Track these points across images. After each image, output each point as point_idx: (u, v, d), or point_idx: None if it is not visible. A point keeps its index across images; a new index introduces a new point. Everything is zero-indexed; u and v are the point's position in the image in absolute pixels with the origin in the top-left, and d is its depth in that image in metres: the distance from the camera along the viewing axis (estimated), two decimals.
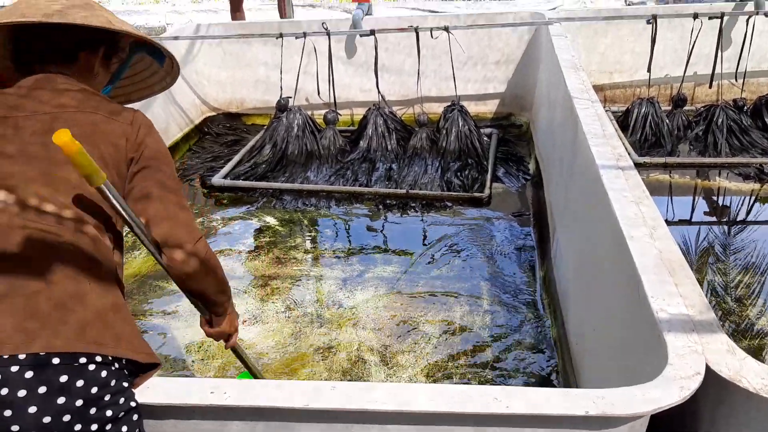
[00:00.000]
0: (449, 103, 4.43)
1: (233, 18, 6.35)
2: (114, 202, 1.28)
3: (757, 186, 3.76)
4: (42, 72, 1.45)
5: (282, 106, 4.47)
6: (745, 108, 4.34)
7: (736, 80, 4.43)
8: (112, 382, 1.21)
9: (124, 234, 1.50)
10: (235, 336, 1.76)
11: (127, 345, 1.27)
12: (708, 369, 1.26)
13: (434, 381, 2.36)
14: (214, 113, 5.21)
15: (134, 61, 1.71)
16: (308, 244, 3.38)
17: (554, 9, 6.71)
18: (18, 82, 1.44)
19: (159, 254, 1.38)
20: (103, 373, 1.20)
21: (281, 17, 6.40)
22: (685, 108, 4.44)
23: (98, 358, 1.20)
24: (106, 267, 1.34)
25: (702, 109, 4.41)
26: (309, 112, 4.56)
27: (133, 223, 1.33)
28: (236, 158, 4.36)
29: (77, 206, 1.32)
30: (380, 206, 3.76)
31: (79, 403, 1.16)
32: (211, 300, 1.55)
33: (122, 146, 1.41)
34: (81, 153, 1.17)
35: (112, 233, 1.40)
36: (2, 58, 1.56)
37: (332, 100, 4.52)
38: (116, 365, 1.24)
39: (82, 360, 1.18)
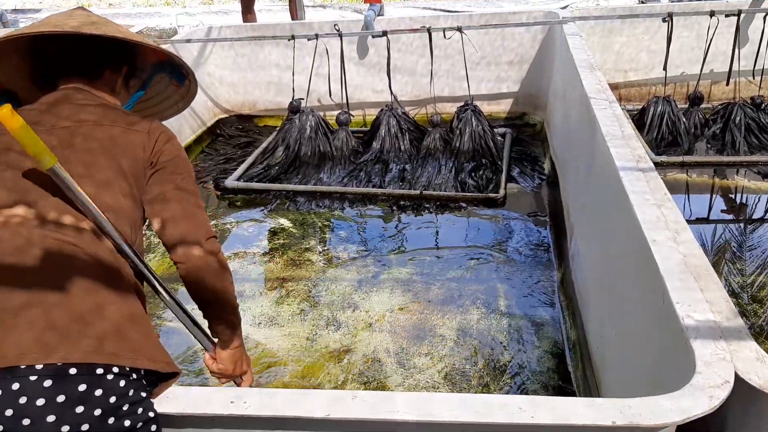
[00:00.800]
0: (462, 103, 4.40)
1: (244, 19, 6.35)
2: (68, 184, 1.25)
3: None
4: (66, 87, 1.47)
5: (294, 108, 4.46)
6: (763, 105, 4.28)
7: (754, 78, 4.38)
8: (131, 392, 1.21)
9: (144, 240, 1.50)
10: (246, 382, 1.62)
11: (146, 356, 1.27)
12: (737, 377, 1.23)
13: (452, 384, 2.34)
14: (226, 115, 5.21)
15: (153, 82, 1.73)
16: (322, 246, 3.36)
17: (566, 7, 6.66)
18: (40, 99, 1.45)
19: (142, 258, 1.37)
20: (122, 383, 1.20)
21: (292, 18, 6.39)
22: (702, 106, 4.39)
23: (116, 369, 1.19)
24: (126, 278, 1.34)
25: (719, 107, 4.36)
26: (321, 114, 4.55)
27: (91, 209, 1.30)
28: (249, 160, 4.36)
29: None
30: (394, 207, 3.74)
31: (97, 412, 1.15)
32: (221, 316, 1.49)
33: (140, 156, 1.42)
34: (24, 128, 1.15)
35: (131, 242, 1.39)
36: (20, 78, 1.57)
37: (345, 101, 4.51)
38: (134, 375, 1.23)
39: (100, 371, 1.17)
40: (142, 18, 8.26)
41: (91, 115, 1.42)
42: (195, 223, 1.39)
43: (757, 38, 4.32)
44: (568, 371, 2.40)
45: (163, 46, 4.88)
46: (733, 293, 2.78)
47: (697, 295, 1.45)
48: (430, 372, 2.42)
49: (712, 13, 4.19)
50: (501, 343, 2.55)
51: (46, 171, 1.23)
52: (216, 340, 1.55)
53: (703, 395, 1.19)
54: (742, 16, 4.20)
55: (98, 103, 1.46)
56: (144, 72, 1.68)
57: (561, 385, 2.34)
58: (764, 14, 4.29)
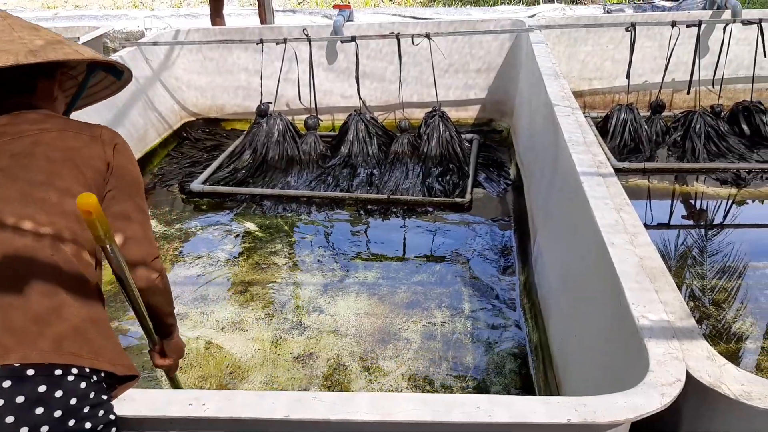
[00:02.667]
0: (430, 109, 4.43)
1: (213, 23, 6.31)
2: (119, 261, 1.32)
3: (734, 191, 3.80)
4: (7, 103, 1.48)
5: (262, 112, 4.45)
6: (723, 114, 4.40)
7: (714, 87, 4.49)
8: (91, 395, 1.20)
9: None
10: (174, 369, 1.80)
11: (105, 358, 1.26)
12: (689, 375, 1.26)
13: (416, 387, 2.36)
14: (193, 118, 5.17)
15: (90, 81, 1.75)
16: (288, 250, 3.35)
17: (533, 16, 6.75)
18: None
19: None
20: (82, 385, 1.19)
21: (261, 23, 6.37)
22: (664, 114, 4.50)
23: (75, 370, 1.19)
24: (85, 281, 1.34)
25: (680, 115, 4.46)
26: (290, 118, 4.54)
27: (127, 281, 1.38)
28: (215, 163, 4.33)
29: (56, 224, 1.33)
30: (361, 212, 3.75)
31: (57, 414, 1.14)
32: (167, 316, 1.62)
33: (98, 167, 1.45)
34: (101, 217, 1.19)
35: (91, 247, 1.40)
36: None
37: (313, 106, 4.50)
38: (95, 377, 1.23)
39: (59, 372, 1.17)
40: (108, 20, 8.14)
41: (50, 126, 1.44)
42: (152, 245, 1.49)
43: (717, 49, 4.44)
44: (530, 373, 2.43)
45: (130, 49, 4.76)
46: (694, 297, 2.85)
47: (653, 296, 1.48)
48: (394, 375, 2.42)
49: (673, 24, 4.30)
50: (465, 345, 2.57)
51: (100, 246, 1.28)
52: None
53: (655, 393, 1.22)
54: (703, 26, 4.31)
55: (45, 114, 1.48)
56: (76, 69, 1.70)
57: (523, 386, 2.37)
58: (724, 25, 4.41)
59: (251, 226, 3.62)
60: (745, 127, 4.40)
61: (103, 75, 1.77)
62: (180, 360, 1.80)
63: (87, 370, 1.21)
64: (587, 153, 2.25)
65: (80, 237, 1.36)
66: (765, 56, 4.40)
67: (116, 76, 1.76)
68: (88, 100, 1.85)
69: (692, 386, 1.26)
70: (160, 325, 1.62)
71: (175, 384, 1.87)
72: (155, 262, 1.49)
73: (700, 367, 1.28)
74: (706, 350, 1.33)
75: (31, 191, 1.33)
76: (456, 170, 4.15)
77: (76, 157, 1.41)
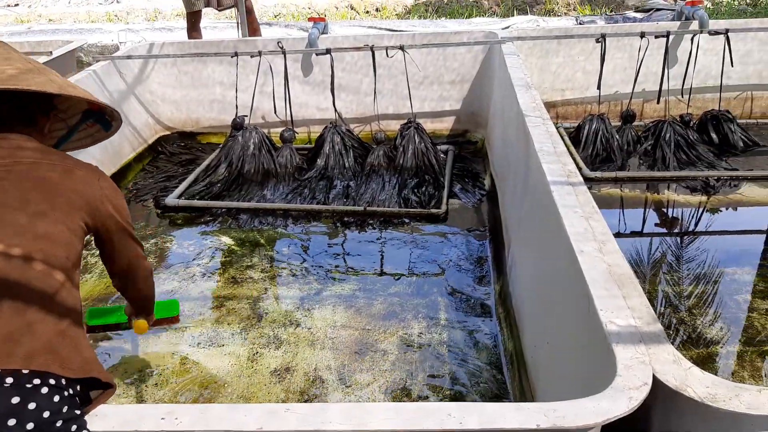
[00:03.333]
0: (406, 121, 4.46)
1: (190, 37, 6.29)
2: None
3: (704, 198, 3.88)
4: (2, 132, 1.54)
5: (237, 125, 4.45)
6: (692, 123, 4.48)
7: (683, 96, 4.58)
8: (65, 409, 1.21)
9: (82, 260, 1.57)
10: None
11: (79, 369, 1.29)
12: (655, 379, 1.29)
13: (393, 398, 2.36)
14: (168, 132, 5.14)
15: (80, 128, 1.88)
16: (265, 264, 3.35)
17: (507, 28, 6.84)
18: None
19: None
20: (56, 398, 1.20)
21: (242, 35, 6.37)
22: (635, 124, 4.57)
23: (52, 381, 1.21)
24: (57, 299, 1.36)
25: (650, 124, 4.54)
26: (266, 131, 4.54)
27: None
28: (191, 178, 4.31)
29: (25, 245, 1.36)
30: (338, 224, 3.75)
31: (30, 426, 1.14)
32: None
33: (78, 202, 1.53)
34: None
35: (64, 266, 1.43)
36: None
37: (289, 119, 4.51)
38: (70, 391, 1.24)
39: (36, 381, 1.18)
40: (83, 34, 8.07)
41: (30, 154, 1.50)
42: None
43: (685, 59, 4.53)
44: (506, 382, 2.45)
45: (103, 63, 4.74)
46: (667, 303, 2.89)
47: (620, 302, 1.51)
48: (371, 387, 2.43)
49: (642, 35, 4.39)
50: (441, 355, 2.59)
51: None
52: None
53: (623, 397, 1.24)
54: (671, 37, 4.40)
55: (34, 145, 1.54)
56: (67, 114, 1.81)
57: (499, 394, 2.38)
58: (692, 36, 4.51)
59: (227, 240, 3.61)
60: (713, 135, 4.49)
61: (91, 123, 1.89)
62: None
63: (63, 381, 1.23)
64: (557, 163, 2.29)
65: (51, 257, 1.39)
66: (732, 66, 4.51)
67: (105, 127, 1.89)
68: (74, 143, 1.93)
69: (659, 389, 1.28)
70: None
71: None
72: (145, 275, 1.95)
73: (666, 370, 1.31)
74: (672, 354, 1.36)
75: (2, 214, 1.38)
76: (432, 181, 4.18)
77: (52, 187, 1.47)
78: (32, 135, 1.58)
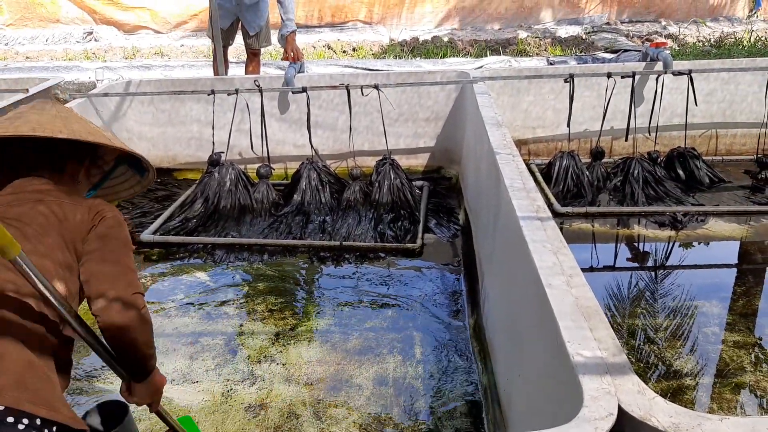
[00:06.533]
0: (381, 158, 4.53)
1: (247, 73, 6.18)
2: (30, 274, 1.29)
3: (672, 233, 3.97)
4: (29, 174, 1.60)
5: (214, 161, 4.47)
6: (659, 160, 4.61)
7: (650, 134, 4.72)
8: None
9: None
10: (156, 405, 1.76)
11: (49, 410, 1.26)
12: (620, 409, 1.32)
13: None
14: None
15: (115, 173, 1.90)
16: (240, 300, 3.34)
17: (480, 68, 7.01)
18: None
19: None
20: None
21: (215, 74, 6.41)
22: (604, 160, 4.69)
23: (26, 420, 1.19)
24: (31, 334, 1.36)
25: (619, 161, 4.66)
26: (242, 167, 4.57)
27: (51, 296, 1.35)
28: (166, 213, 4.31)
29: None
30: (314, 258, 3.77)
31: None
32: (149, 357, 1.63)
33: (78, 232, 1.53)
34: None
35: (41, 296, 1.41)
36: None
37: (266, 155, 4.55)
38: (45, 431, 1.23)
39: (10, 419, 1.17)
40: (60, 72, 8.08)
41: (38, 196, 1.53)
42: (128, 281, 1.59)
43: (651, 98, 4.68)
44: (481, 415, 2.46)
45: (80, 100, 4.75)
46: (635, 336, 2.94)
47: (587, 333, 1.55)
48: (346, 423, 2.42)
49: (609, 75, 4.54)
50: (416, 390, 2.59)
51: (9, 261, 1.25)
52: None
53: (589, 427, 1.27)
54: (637, 77, 4.56)
55: (49, 188, 1.57)
56: (104, 161, 1.84)
57: (474, 429, 2.39)
58: (657, 76, 4.66)
59: (202, 275, 3.60)
60: (680, 171, 4.63)
61: (128, 172, 1.92)
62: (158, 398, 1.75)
63: (38, 422, 1.21)
64: (527, 198, 2.35)
65: (22, 289, 1.38)
66: (696, 105, 4.66)
67: (140, 173, 1.91)
68: (111, 195, 1.98)
69: (625, 419, 1.31)
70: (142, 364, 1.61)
71: (162, 418, 1.82)
72: (133, 297, 1.54)
73: (631, 400, 1.34)
74: (637, 384, 1.39)
75: None
76: (407, 216, 4.23)
77: (56, 222, 1.49)
78: (58, 181, 1.61)
